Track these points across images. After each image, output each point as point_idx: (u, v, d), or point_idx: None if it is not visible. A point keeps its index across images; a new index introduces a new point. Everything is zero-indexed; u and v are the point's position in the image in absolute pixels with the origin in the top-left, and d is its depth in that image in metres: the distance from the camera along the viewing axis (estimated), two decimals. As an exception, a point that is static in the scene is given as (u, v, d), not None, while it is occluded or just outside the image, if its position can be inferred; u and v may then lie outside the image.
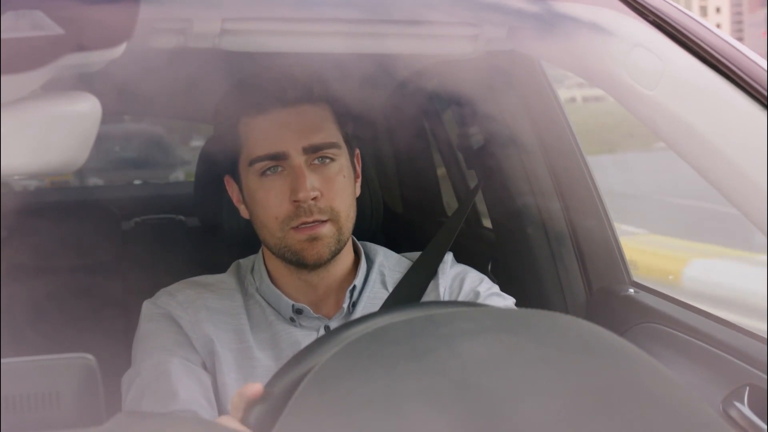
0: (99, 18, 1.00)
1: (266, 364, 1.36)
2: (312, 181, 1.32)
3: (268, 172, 1.34)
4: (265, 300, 1.41)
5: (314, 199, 1.32)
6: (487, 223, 2.07)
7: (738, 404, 1.30)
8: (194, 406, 1.28)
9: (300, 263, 1.36)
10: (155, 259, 2.09)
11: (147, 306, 1.40)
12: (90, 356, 0.76)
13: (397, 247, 1.57)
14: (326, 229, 1.33)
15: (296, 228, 1.33)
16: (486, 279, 1.48)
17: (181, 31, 1.20)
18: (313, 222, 1.32)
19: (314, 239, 1.33)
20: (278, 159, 1.34)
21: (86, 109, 0.93)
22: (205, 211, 1.94)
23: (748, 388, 1.31)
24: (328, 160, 1.35)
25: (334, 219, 1.34)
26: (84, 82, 0.98)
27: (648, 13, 1.23)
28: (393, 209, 2.34)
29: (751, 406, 1.30)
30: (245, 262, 1.49)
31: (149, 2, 1.11)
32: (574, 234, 1.80)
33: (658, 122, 1.19)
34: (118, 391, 1.34)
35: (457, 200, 2.16)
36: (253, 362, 1.36)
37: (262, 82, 1.36)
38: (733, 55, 1.16)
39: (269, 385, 0.93)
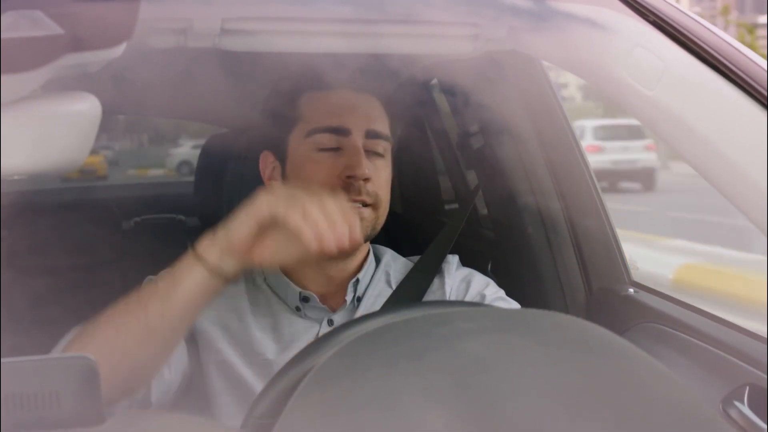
0: (99, 18, 1.00)
1: (265, 343, 1.36)
2: (368, 163, 1.34)
3: (325, 149, 1.35)
4: (271, 289, 1.41)
5: (366, 180, 1.33)
6: (487, 223, 2.07)
7: (738, 404, 1.30)
8: None
9: None
10: (155, 259, 2.09)
11: (148, 280, 1.40)
12: (90, 356, 0.76)
13: (398, 247, 1.57)
14: (368, 213, 1.35)
15: None
16: (492, 283, 1.49)
17: (181, 30, 1.20)
18: (360, 201, 1.33)
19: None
20: (340, 134, 1.35)
21: (86, 108, 0.93)
22: (205, 211, 1.94)
23: (748, 388, 1.31)
24: (379, 155, 1.38)
25: (376, 205, 1.36)
26: (84, 82, 0.98)
27: (648, 14, 1.23)
28: (393, 209, 2.34)
29: (751, 406, 1.29)
30: None
31: (149, 2, 1.11)
32: (574, 234, 1.80)
33: (659, 122, 1.19)
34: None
35: (457, 200, 2.16)
36: (252, 339, 1.36)
37: (330, 62, 1.37)
38: (733, 56, 1.15)
39: (269, 386, 0.93)
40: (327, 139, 1.35)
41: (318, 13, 1.25)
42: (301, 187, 1.22)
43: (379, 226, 1.38)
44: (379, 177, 1.37)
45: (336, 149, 1.35)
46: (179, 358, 1.31)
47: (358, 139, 1.35)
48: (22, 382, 0.73)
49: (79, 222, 2.13)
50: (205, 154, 1.93)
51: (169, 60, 1.25)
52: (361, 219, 1.33)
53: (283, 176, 1.41)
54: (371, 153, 1.37)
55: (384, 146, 1.39)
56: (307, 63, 1.36)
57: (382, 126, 1.39)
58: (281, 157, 1.41)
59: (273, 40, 1.26)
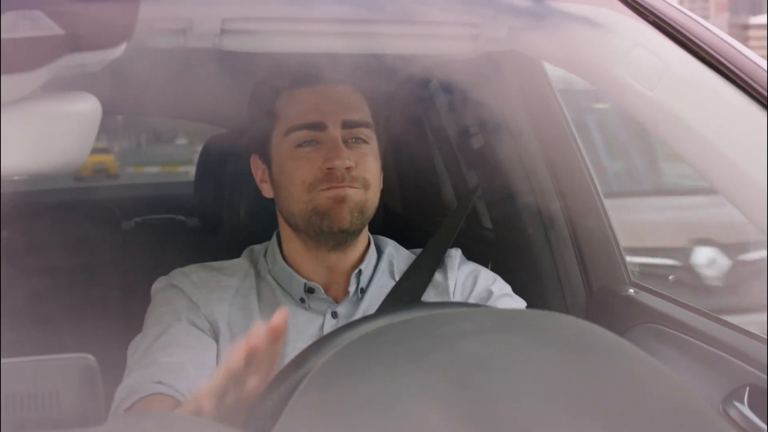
0: (99, 18, 1.00)
1: None
2: (347, 153, 1.35)
3: (304, 145, 1.36)
4: (276, 281, 1.42)
5: (347, 168, 1.34)
6: (487, 222, 2.07)
7: (738, 404, 1.30)
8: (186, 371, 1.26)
9: (323, 230, 1.35)
10: (155, 259, 2.09)
11: (161, 281, 1.42)
12: (90, 356, 0.76)
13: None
14: (354, 193, 1.35)
15: (325, 189, 1.34)
16: (499, 279, 1.49)
17: (181, 30, 1.20)
18: (342, 186, 1.34)
19: (342, 200, 1.34)
20: (316, 129, 1.36)
21: (86, 108, 0.93)
22: (205, 211, 1.94)
23: (748, 388, 1.31)
24: (361, 141, 1.38)
25: (364, 188, 1.36)
26: (84, 82, 0.98)
27: (648, 14, 1.23)
28: (393, 209, 2.34)
29: (751, 406, 1.30)
30: (258, 247, 1.50)
31: (149, 2, 1.11)
32: (574, 234, 1.80)
33: (659, 122, 1.19)
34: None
35: (457, 200, 2.16)
36: None
37: (303, 60, 1.37)
38: (733, 56, 1.16)
39: (270, 386, 0.93)
40: (305, 136, 1.36)
41: (318, 13, 1.25)
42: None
43: (368, 211, 1.38)
44: (365, 162, 1.37)
45: (314, 144, 1.36)
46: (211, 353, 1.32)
47: (334, 132, 1.36)
48: (22, 382, 0.73)
49: (79, 222, 2.13)
50: (205, 154, 1.93)
51: (169, 60, 1.25)
52: (348, 199, 1.34)
53: (271, 178, 1.42)
54: (352, 142, 1.37)
55: (365, 133, 1.39)
56: (305, 63, 1.36)
57: (360, 114, 1.40)
58: (266, 160, 1.43)
59: (273, 40, 1.26)
